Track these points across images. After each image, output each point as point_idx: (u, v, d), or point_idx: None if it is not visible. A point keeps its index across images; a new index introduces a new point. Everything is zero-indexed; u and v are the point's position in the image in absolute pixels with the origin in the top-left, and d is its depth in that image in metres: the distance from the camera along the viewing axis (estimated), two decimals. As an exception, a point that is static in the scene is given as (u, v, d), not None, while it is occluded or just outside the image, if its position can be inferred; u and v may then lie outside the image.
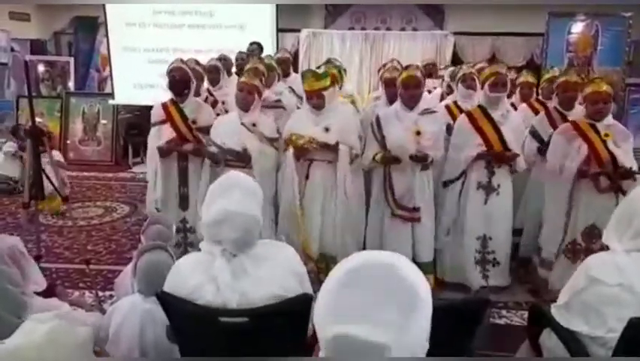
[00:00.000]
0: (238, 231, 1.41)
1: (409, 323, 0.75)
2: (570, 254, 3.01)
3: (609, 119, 2.90)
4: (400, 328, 0.74)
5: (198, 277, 1.46)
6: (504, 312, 3.05)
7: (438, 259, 3.28)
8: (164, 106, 3.21)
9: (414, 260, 3.04)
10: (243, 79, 3.05)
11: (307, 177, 3.05)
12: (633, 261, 1.44)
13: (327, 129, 2.97)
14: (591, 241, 2.91)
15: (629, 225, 1.49)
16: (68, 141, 7.31)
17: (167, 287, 1.52)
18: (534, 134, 3.35)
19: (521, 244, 3.54)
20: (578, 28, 6.33)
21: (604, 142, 2.83)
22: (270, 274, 1.44)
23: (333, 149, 2.96)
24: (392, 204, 3.03)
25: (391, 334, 0.73)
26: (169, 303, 1.47)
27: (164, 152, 3.15)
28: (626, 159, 2.82)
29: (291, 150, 2.98)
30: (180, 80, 3.15)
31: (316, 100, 2.97)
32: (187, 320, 1.49)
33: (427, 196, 3.08)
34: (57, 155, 4.73)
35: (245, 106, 2.99)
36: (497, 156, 3.08)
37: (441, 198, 3.26)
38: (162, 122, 3.19)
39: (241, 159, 2.96)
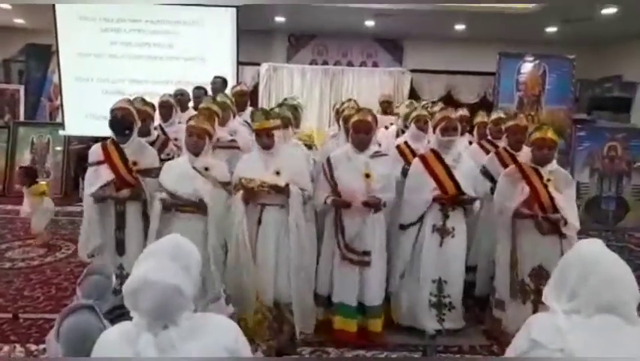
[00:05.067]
0: (154, 301, 1.28)
1: None
2: (520, 295, 3.04)
3: (553, 165, 3.00)
4: None
5: (124, 353, 1.33)
6: (458, 356, 3.01)
7: (393, 302, 3.25)
8: (104, 146, 3.09)
9: (362, 304, 3.05)
10: (192, 123, 2.92)
11: (260, 222, 2.94)
12: (573, 324, 1.41)
13: (277, 173, 2.89)
14: (539, 282, 2.94)
15: (564, 286, 1.47)
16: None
17: (92, 361, 1.39)
18: (486, 174, 3.45)
19: (477, 282, 3.56)
20: (527, 68, 6.66)
21: (545, 186, 2.93)
22: (200, 350, 1.33)
23: (284, 191, 2.88)
24: (342, 248, 2.98)
25: None
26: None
27: (98, 199, 3.01)
28: (567, 205, 2.91)
29: (239, 194, 2.87)
30: (122, 120, 3.04)
31: (266, 139, 2.90)
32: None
33: (378, 240, 3.05)
34: None
35: (195, 150, 2.89)
36: (454, 200, 3.10)
37: (395, 241, 3.24)
38: (99, 162, 3.05)
39: (198, 209, 2.86)
